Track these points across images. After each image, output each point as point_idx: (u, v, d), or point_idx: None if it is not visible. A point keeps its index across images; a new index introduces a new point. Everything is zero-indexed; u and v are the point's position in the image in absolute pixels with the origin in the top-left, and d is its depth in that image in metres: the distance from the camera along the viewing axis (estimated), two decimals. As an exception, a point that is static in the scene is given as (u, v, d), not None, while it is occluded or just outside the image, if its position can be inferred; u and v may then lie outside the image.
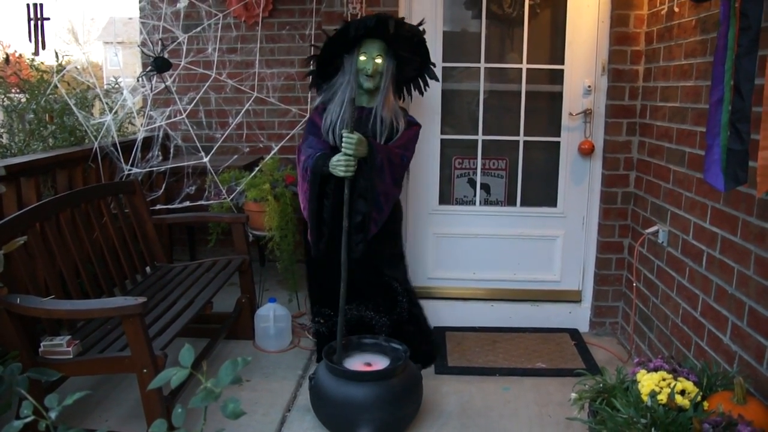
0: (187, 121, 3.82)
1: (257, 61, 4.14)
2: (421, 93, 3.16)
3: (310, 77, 3.11)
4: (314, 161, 2.85)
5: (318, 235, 2.95)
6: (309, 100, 4.04)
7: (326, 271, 3.08)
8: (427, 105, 3.55)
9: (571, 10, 3.48)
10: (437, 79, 3.14)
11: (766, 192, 1.80)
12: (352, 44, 2.91)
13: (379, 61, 2.89)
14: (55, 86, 4.16)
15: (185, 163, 3.85)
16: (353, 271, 3.04)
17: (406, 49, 2.95)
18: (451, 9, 3.61)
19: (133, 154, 3.62)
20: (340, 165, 2.76)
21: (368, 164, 2.81)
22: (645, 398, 1.99)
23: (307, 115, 3.09)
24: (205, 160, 3.73)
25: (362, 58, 2.89)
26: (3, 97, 4.40)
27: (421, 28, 2.92)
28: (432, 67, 3.06)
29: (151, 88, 3.75)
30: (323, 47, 2.92)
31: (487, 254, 3.74)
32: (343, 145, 2.76)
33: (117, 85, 4.50)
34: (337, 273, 2.88)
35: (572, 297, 3.75)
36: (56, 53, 4.26)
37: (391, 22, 2.81)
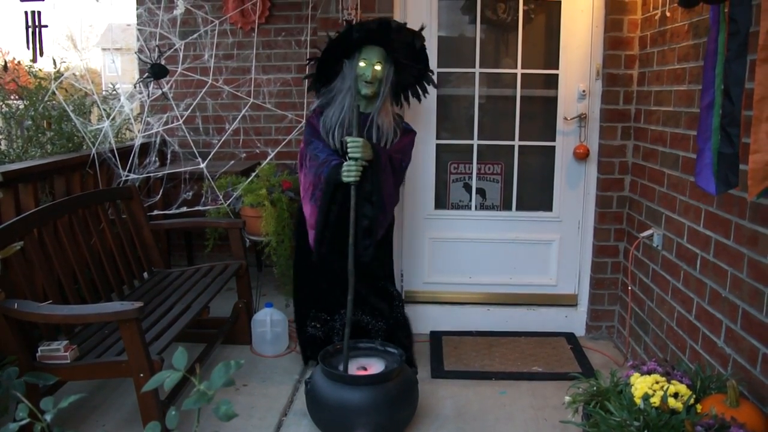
0: (184, 127, 3.84)
1: (253, 67, 4.16)
2: (419, 100, 3.17)
3: (308, 80, 3.11)
4: (329, 170, 2.83)
5: (321, 239, 2.95)
6: (305, 105, 4.06)
7: (324, 275, 3.09)
8: (423, 110, 3.57)
9: (565, 15, 3.50)
10: (435, 86, 3.15)
11: (758, 195, 1.81)
12: (353, 49, 2.92)
13: (378, 67, 2.89)
14: (53, 93, 4.17)
15: (182, 169, 3.87)
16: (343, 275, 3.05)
17: (406, 56, 2.96)
18: (446, 14, 3.63)
19: (130, 160, 3.64)
20: (350, 170, 2.77)
21: (373, 167, 2.82)
22: (638, 401, 2.00)
23: (303, 121, 3.10)
24: (202, 165, 3.74)
25: (362, 64, 2.89)
26: (1, 103, 4.40)
27: (422, 33, 2.92)
28: (431, 74, 3.07)
29: (149, 95, 3.76)
30: (324, 50, 2.92)
31: (483, 258, 3.75)
32: (349, 150, 2.77)
33: (115, 92, 4.51)
34: (336, 277, 2.89)
35: (568, 301, 3.77)
36: (54, 60, 4.27)
37: (393, 24, 2.84)
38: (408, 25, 2.92)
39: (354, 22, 3.38)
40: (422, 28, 2.96)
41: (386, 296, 3.14)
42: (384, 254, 3.15)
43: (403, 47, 2.93)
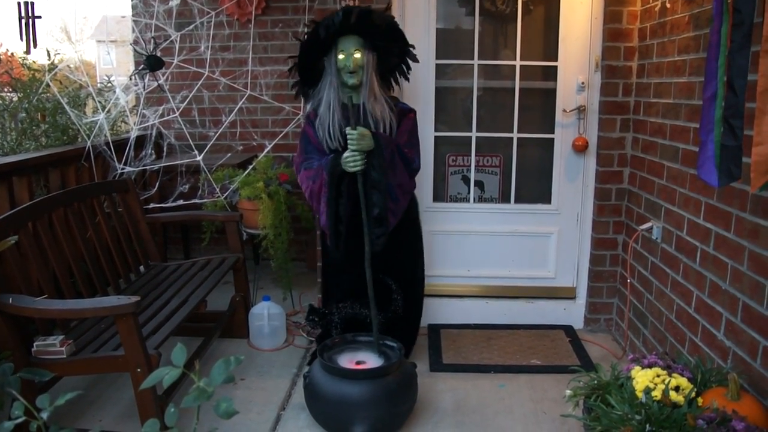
0: (180, 119, 3.81)
1: (250, 59, 4.13)
2: (407, 78, 3.12)
3: (296, 87, 3.08)
4: (329, 163, 2.82)
5: (336, 235, 2.92)
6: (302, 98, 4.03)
7: (343, 272, 3.07)
8: (421, 102, 3.54)
9: (564, 7, 3.47)
10: (417, 60, 3.08)
11: (760, 188, 1.80)
12: (329, 45, 2.89)
13: (357, 55, 2.86)
14: (48, 85, 4.14)
15: (179, 162, 3.84)
16: (350, 269, 3.03)
17: (383, 38, 2.92)
18: (444, 6, 3.60)
19: (126, 153, 3.61)
20: (348, 161, 2.76)
21: (377, 156, 2.80)
22: (639, 395, 1.99)
23: (301, 113, 3.08)
24: (199, 158, 3.71)
25: (341, 56, 2.87)
26: (-5, 96, 4.37)
27: (389, 13, 2.91)
28: (411, 48, 3.01)
29: (144, 87, 3.73)
30: (299, 54, 2.90)
31: (482, 251, 3.73)
32: (348, 141, 2.77)
33: (110, 84, 4.47)
34: (354, 272, 2.88)
35: (567, 294, 3.76)
36: (48, 52, 4.23)
37: (354, 11, 2.78)
38: (406, 19, 2.89)
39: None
40: (388, 7, 2.95)
41: (384, 290, 3.12)
42: (408, 245, 3.15)
43: (377, 31, 2.89)
